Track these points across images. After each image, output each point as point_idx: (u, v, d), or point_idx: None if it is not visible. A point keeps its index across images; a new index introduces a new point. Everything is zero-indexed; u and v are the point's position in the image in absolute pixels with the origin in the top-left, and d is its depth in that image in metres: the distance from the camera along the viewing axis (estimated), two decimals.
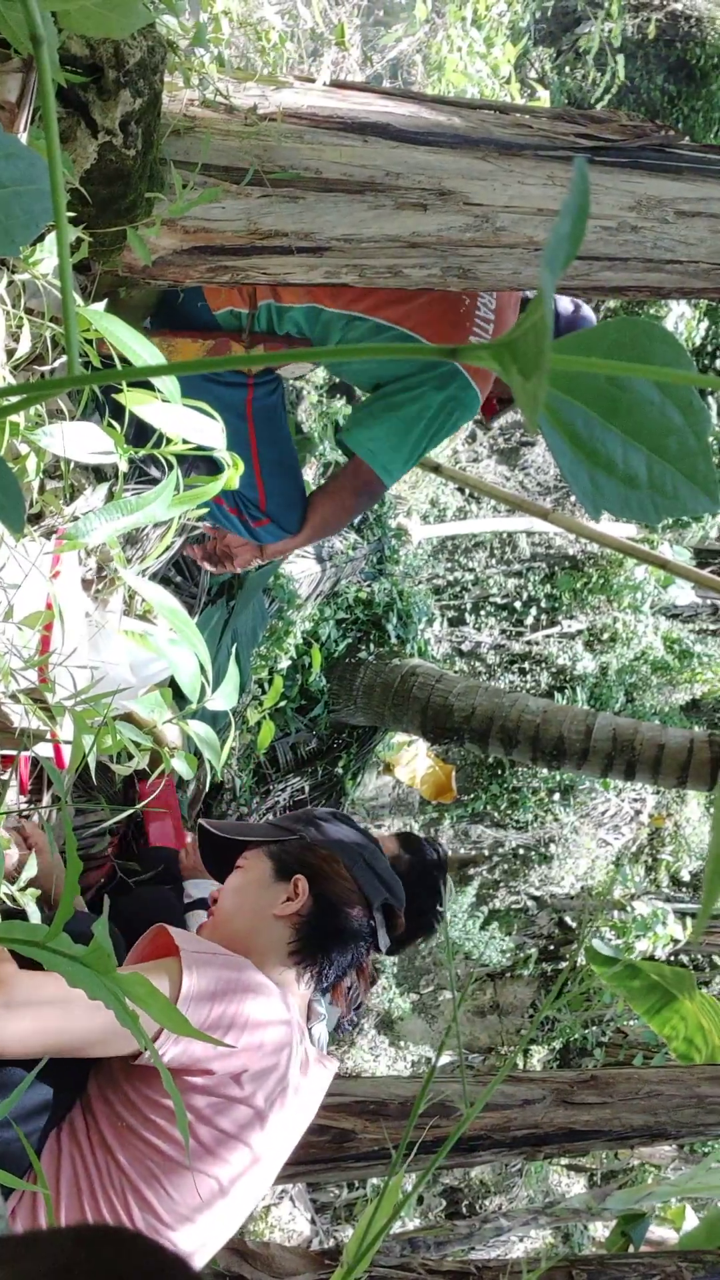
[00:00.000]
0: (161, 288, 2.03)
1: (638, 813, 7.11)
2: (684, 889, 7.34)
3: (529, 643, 6.59)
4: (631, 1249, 2.98)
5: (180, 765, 1.51)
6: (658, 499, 0.41)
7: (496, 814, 6.42)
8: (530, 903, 6.78)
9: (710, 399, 7.49)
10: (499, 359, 0.38)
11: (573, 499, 7.00)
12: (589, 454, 0.40)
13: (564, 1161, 6.24)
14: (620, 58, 4.58)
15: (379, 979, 5.56)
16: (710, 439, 0.42)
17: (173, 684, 1.55)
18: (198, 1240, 1.40)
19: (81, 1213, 1.33)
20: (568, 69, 5.33)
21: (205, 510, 2.01)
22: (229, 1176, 1.39)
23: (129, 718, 1.64)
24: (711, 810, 7.33)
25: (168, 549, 2.23)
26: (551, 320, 0.35)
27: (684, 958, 6.92)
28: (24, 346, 1.37)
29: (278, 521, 2.23)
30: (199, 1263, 1.45)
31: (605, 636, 6.71)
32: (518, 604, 6.59)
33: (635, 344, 0.39)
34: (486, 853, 6.64)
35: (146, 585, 1.34)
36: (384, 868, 1.71)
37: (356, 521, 4.08)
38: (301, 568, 3.63)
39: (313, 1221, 4.53)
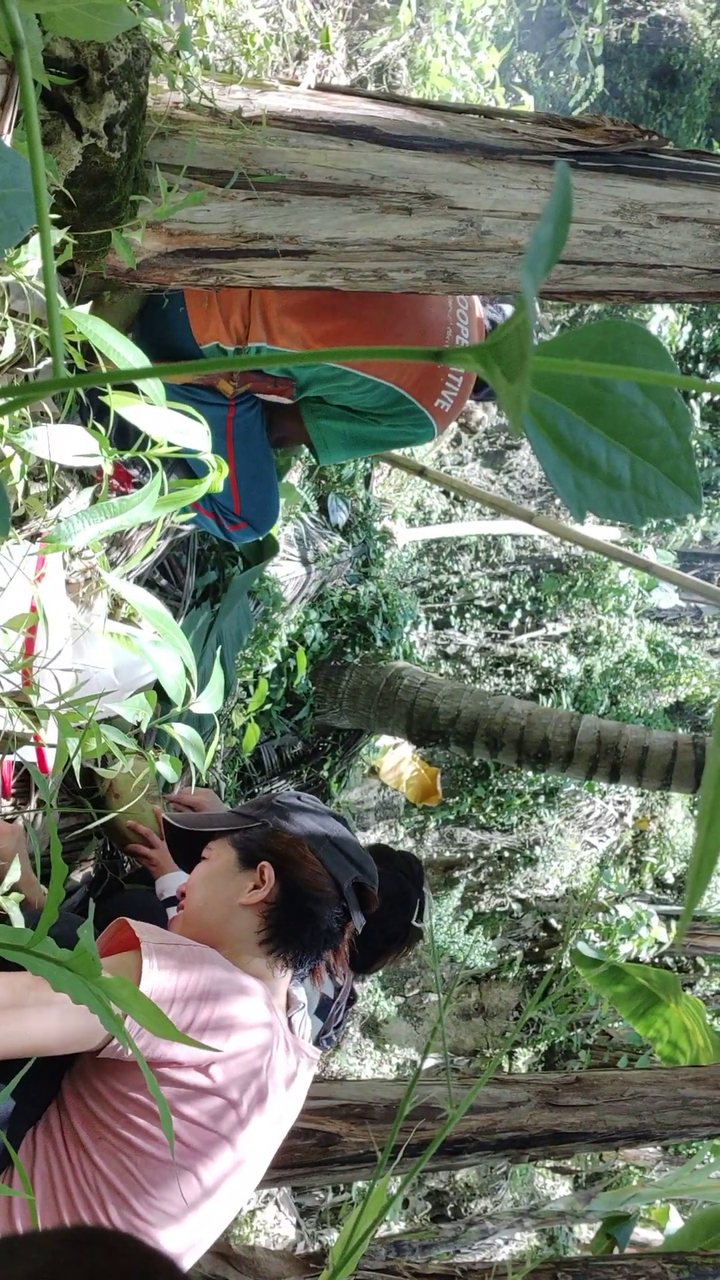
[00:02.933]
0: (144, 297, 2.03)
1: (622, 815, 7.13)
2: (668, 891, 7.37)
3: (514, 645, 6.61)
4: (616, 1251, 2.98)
5: (164, 768, 1.51)
6: (641, 499, 0.41)
7: (482, 817, 6.43)
8: (515, 905, 6.79)
9: (693, 402, 7.53)
10: (483, 361, 0.38)
11: (557, 502, 7.03)
12: (573, 455, 0.40)
13: (549, 1164, 6.25)
14: (601, 65, 4.60)
15: (365, 979, 5.55)
16: (692, 441, 0.42)
17: (158, 687, 1.55)
18: (184, 1241, 1.39)
19: (57, 1211, 1.32)
20: (552, 74, 5.35)
21: (189, 515, 2.02)
22: (211, 1174, 1.38)
23: (114, 721, 1.64)
24: (696, 812, 7.35)
25: (152, 551, 2.24)
26: (534, 324, 0.35)
27: (668, 959, 6.94)
28: (8, 349, 1.36)
29: (253, 524, 2.35)
30: (186, 1264, 1.45)
31: (590, 639, 6.72)
32: (503, 607, 6.60)
33: (618, 346, 0.39)
34: (472, 855, 6.64)
35: (130, 589, 1.34)
36: (353, 848, 1.67)
37: (342, 524, 4.08)
38: (287, 570, 3.63)
39: (298, 1225, 4.52)
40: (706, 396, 8.12)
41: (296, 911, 1.56)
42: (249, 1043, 1.42)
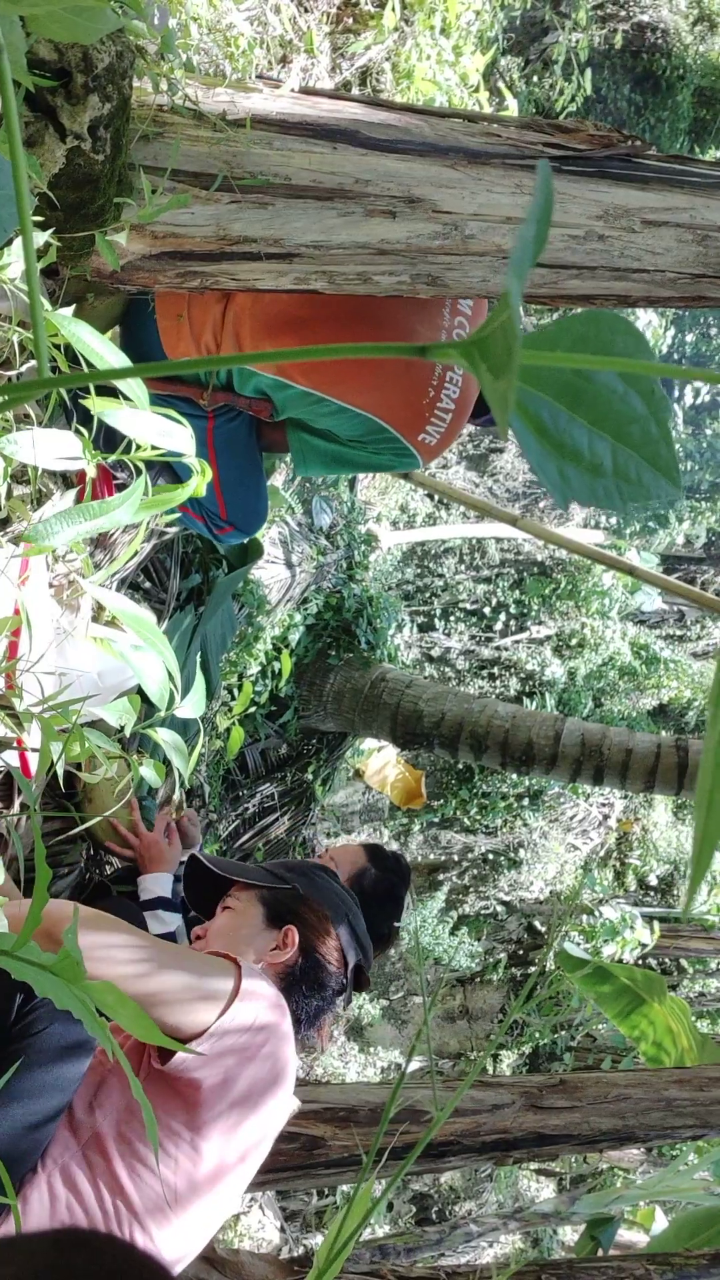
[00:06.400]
0: (127, 301, 2.02)
1: (606, 817, 7.15)
2: (652, 893, 7.39)
3: (498, 648, 6.62)
4: (601, 1253, 2.99)
5: (148, 773, 1.51)
6: (623, 485, 0.41)
7: (466, 819, 6.43)
8: (500, 908, 6.80)
9: (675, 406, 7.56)
10: (469, 357, 0.38)
11: (541, 505, 7.04)
12: (556, 445, 0.40)
13: (533, 1166, 6.25)
14: (588, 71, 4.62)
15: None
16: (673, 430, 0.42)
17: (141, 691, 1.55)
18: (176, 1241, 1.40)
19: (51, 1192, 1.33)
20: (535, 78, 5.37)
21: (175, 516, 2.01)
22: (202, 1171, 1.40)
23: (97, 725, 1.63)
24: (679, 815, 7.38)
25: (136, 554, 2.23)
26: (519, 322, 0.35)
27: (652, 962, 6.96)
28: None
29: (239, 528, 2.31)
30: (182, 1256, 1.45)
31: (573, 642, 6.74)
32: (487, 610, 6.62)
33: (598, 336, 0.40)
34: (456, 858, 6.65)
35: (109, 595, 1.33)
36: (362, 929, 1.74)
37: (326, 527, 4.08)
38: (271, 573, 3.62)
39: (282, 1229, 4.51)
40: (688, 400, 8.16)
41: (311, 980, 1.62)
42: (263, 1052, 1.45)
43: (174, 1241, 1.39)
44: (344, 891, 1.79)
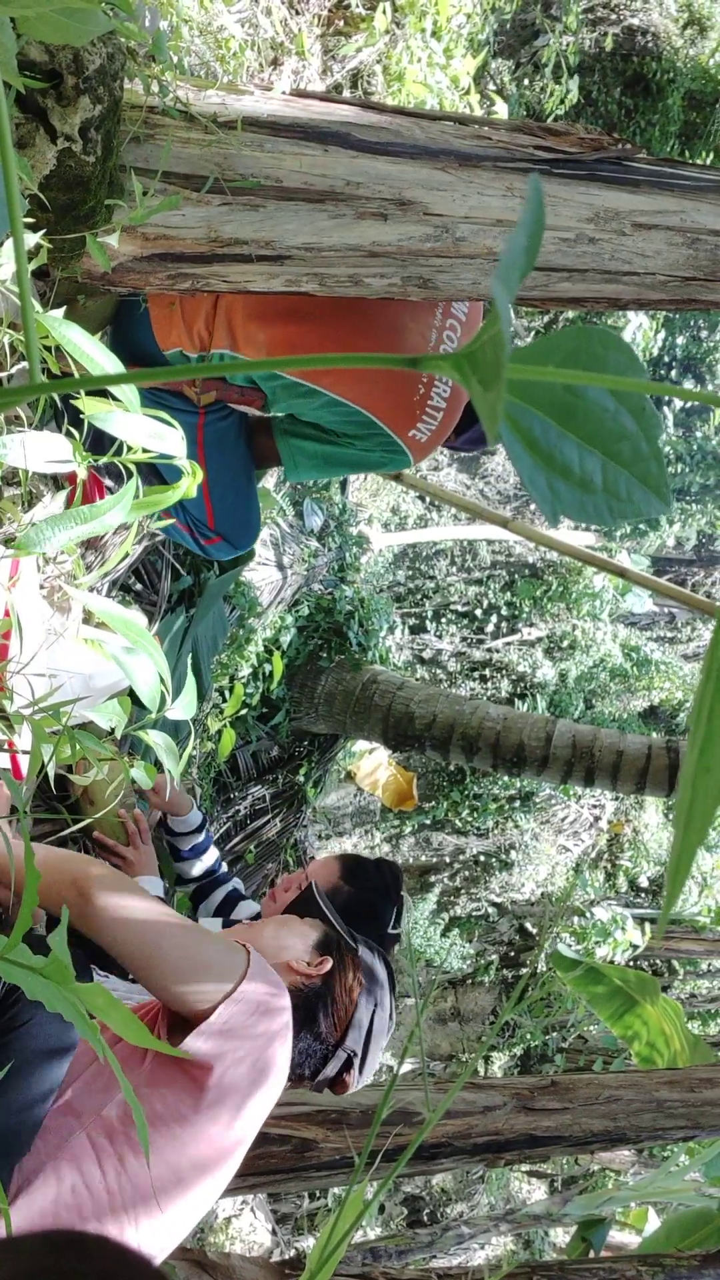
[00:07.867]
0: (118, 302, 2.02)
1: (597, 819, 7.15)
2: (643, 894, 7.40)
3: (489, 650, 6.62)
4: (592, 1254, 2.99)
5: (139, 774, 1.50)
6: (612, 502, 0.41)
7: (458, 821, 6.43)
8: (491, 909, 6.80)
9: (665, 409, 7.57)
10: (460, 369, 0.38)
11: (533, 507, 7.06)
12: (546, 460, 0.40)
13: (525, 1168, 6.26)
14: (575, 77, 4.63)
15: None
16: (664, 446, 0.42)
17: (132, 692, 1.55)
18: (170, 1228, 1.40)
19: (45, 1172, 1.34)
20: (526, 81, 5.38)
21: (169, 521, 2.01)
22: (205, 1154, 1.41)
23: (88, 726, 1.63)
24: (671, 816, 7.39)
25: (127, 556, 2.22)
26: (509, 334, 0.35)
27: (643, 963, 6.97)
28: None
29: (228, 538, 2.27)
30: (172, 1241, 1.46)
31: (565, 644, 6.75)
32: (478, 611, 6.62)
33: (590, 352, 0.40)
34: (448, 860, 6.65)
35: (97, 600, 1.33)
36: (379, 1030, 1.78)
37: (317, 529, 4.08)
38: (262, 575, 3.62)
39: (274, 1232, 4.51)
40: (679, 404, 8.17)
41: (311, 1010, 1.68)
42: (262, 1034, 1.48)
43: (168, 1228, 1.39)
44: (389, 997, 1.84)
